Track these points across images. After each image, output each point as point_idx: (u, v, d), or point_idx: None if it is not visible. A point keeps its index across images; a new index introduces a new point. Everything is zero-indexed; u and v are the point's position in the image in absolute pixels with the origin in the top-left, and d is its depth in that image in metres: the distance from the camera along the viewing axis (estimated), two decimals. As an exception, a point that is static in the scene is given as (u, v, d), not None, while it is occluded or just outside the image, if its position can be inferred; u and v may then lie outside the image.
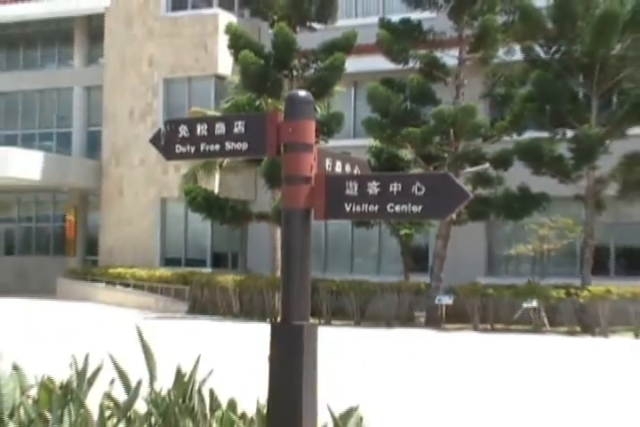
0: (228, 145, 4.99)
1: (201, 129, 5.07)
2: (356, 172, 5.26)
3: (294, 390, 4.85)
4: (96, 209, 36.09)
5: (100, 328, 22.23)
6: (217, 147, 5.01)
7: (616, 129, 25.39)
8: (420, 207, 4.69)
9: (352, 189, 4.83)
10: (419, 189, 4.69)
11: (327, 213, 4.87)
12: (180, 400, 6.72)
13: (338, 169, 5.12)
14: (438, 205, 4.71)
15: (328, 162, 5.09)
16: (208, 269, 32.36)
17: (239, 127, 4.97)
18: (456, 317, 26.13)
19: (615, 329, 24.17)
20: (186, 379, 6.83)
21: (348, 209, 4.83)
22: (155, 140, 5.25)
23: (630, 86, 25.49)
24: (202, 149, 5.04)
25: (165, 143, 5.18)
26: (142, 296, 31.16)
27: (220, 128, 5.00)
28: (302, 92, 5.01)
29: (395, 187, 4.76)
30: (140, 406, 6.76)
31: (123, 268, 32.64)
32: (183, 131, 5.12)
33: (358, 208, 4.81)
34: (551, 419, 11.22)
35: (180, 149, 5.13)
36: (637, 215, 28.72)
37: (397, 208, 4.72)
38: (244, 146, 4.99)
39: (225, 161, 29.39)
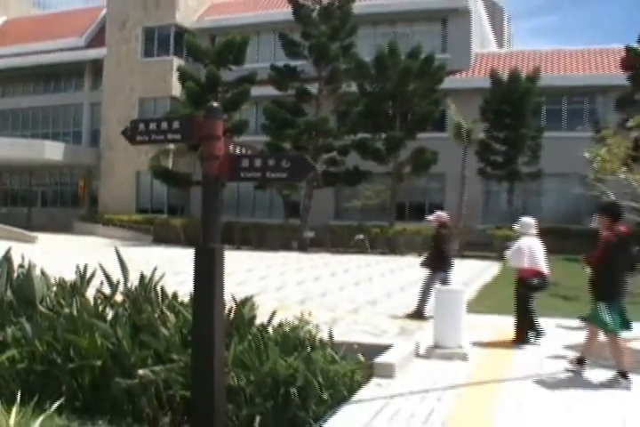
0: (169, 135, 4.88)
1: (152, 125, 4.93)
2: (248, 153, 5.18)
3: (209, 287, 4.79)
4: (97, 178, 35.09)
5: (95, 250, 21.61)
6: (162, 136, 4.90)
7: (410, 134, 25.85)
8: (285, 174, 4.68)
9: (245, 163, 4.78)
10: (285, 163, 4.67)
11: (230, 177, 4.85)
12: (143, 293, 6.62)
13: (237, 151, 5.06)
14: (297, 173, 4.73)
15: (231, 147, 5.03)
16: (165, 215, 31.82)
17: (176, 124, 4.87)
18: (316, 244, 26.33)
19: (408, 251, 24.69)
20: (146, 281, 6.72)
21: (242, 175, 4.81)
22: (124, 132, 5.12)
23: (418, 109, 25.90)
24: (152, 137, 4.92)
25: (130, 134, 5.04)
26: (124, 232, 30.37)
27: (164, 125, 4.89)
28: (215, 104, 4.95)
29: (271, 162, 4.75)
30: (119, 297, 6.67)
31: (113, 214, 31.91)
32: (141, 127, 4.99)
33: (249, 174, 4.79)
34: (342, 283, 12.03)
35: (139, 137, 5.01)
36: (421, 183, 29.34)
37: (273, 175, 4.73)
38: (179, 136, 4.89)
39: (176, 148, 28.83)
